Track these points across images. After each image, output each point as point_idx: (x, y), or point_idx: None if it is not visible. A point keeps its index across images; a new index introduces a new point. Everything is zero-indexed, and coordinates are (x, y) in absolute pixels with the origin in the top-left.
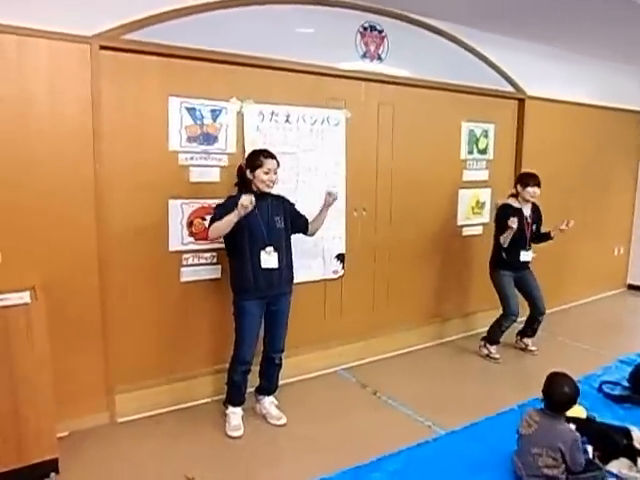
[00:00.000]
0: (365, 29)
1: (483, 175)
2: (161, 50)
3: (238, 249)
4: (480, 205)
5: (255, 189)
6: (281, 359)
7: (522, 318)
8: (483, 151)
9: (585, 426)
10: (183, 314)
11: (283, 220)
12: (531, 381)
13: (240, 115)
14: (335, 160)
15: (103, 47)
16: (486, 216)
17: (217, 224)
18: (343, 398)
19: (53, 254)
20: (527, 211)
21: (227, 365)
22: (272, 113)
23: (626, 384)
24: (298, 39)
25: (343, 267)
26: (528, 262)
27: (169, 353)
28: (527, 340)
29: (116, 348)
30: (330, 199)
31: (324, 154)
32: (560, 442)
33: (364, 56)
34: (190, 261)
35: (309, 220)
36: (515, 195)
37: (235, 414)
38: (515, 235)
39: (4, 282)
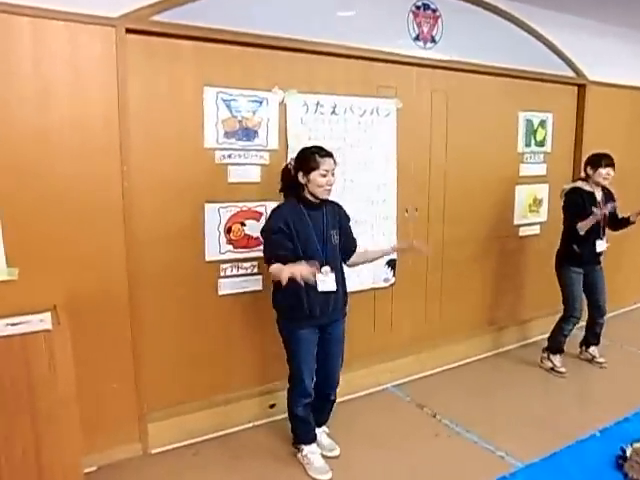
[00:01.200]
0: (418, 8)
1: (541, 169)
2: (195, 33)
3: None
4: (538, 202)
5: (308, 195)
6: (335, 394)
7: (581, 323)
8: (541, 143)
9: None
10: (222, 331)
11: (338, 234)
12: (606, 400)
13: (282, 107)
14: (385, 155)
15: (130, 30)
16: (544, 215)
17: (277, 268)
18: (400, 421)
19: (76, 268)
20: (599, 195)
21: (272, 385)
22: (317, 104)
23: None
24: (344, 20)
25: (394, 274)
26: (601, 255)
27: (207, 375)
28: (593, 350)
29: (148, 371)
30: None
31: (373, 149)
32: None
33: (417, 38)
34: (229, 272)
35: (357, 248)
36: (584, 179)
37: (314, 454)
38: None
39: (22, 301)
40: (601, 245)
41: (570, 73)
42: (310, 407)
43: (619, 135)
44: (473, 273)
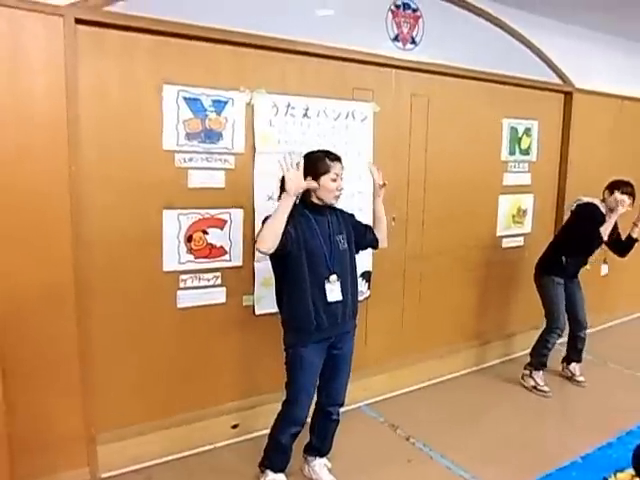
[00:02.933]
0: (397, 7)
1: (525, 179)
2: (154, 27)
3: (294, 276)
4: (522, 213)
5: (316, 200)
6: (339, 414)
7: (563, 339)
8: (525, 152)
9: None
10: (181, 346)
11: (346, 239)
12: (589, 423)
13: (250, 107)
14: (361, 162)
15: (80, 21)
16: (528, 226)
17: (266, 227)
18: (371, 444)
19: (12, 276)
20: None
21: (234, 404)
22: (288, 105)
23: None
24: (318, 18)
25: (369, 287)
26: (577, 272)
27: (164, 393)
28: (574, 367)
29: (98, 389)
30: (381, 185)
31: (348, 155)
32: None
33: (396, 39)
34: (189, 283)
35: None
36: (603, 200)
37: None
38: (586, 244)
39: None
40: (605, 269)
41: (556, 80)
42: (296, 437)
43: (605, 144)
44: (453, 285)
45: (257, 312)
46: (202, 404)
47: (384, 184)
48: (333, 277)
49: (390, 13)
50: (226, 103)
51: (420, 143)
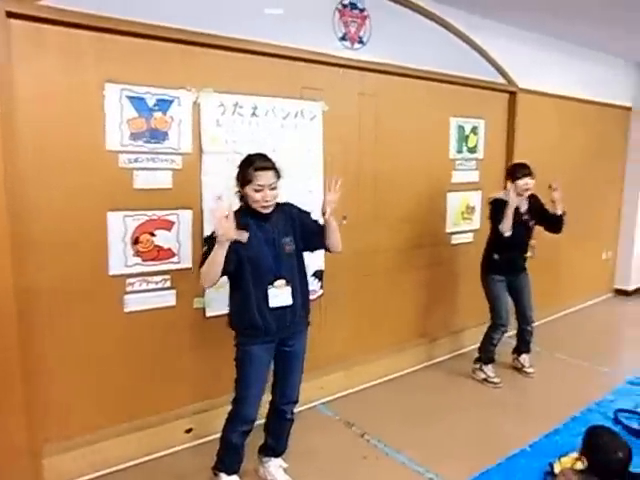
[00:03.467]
0: (344, 6)
1: (473, 176)
2: (94, 22)
3: (238, 281)
4: (470, 210)
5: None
6: (293, 413)
7: (513, 332)
8: (473, 150)
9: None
10: (130, 351)
11: (294, 240)
12: (537, 412)
13: (196, 107)
14: (311, 161)
15: (12, 14)
16: (476, 222)
17: (204, 269)
18: (327, 442)
19: None
20: (524, 207)
21: (188, 408)
22: (236, 105)
23: None
24: (266, 15)
25: (322, 286)
26: (522, 263)
27: (116, 400)
28: (524, 358)
29: (43, 398)
30: (330, 206)
31: (298, 154)
32: None
33: (343, 38)
34: (137, 287)
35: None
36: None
37: None
38: (510, 236)
39: None
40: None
41: (501, 80)
42: (247, 436)
43: (548, 141)
44: (405, 283)
45: (208, 314)
46: (155, 409)
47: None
48: (279, 282)
49: (337, 12)
50: (172, 102)
51: (369, 142)
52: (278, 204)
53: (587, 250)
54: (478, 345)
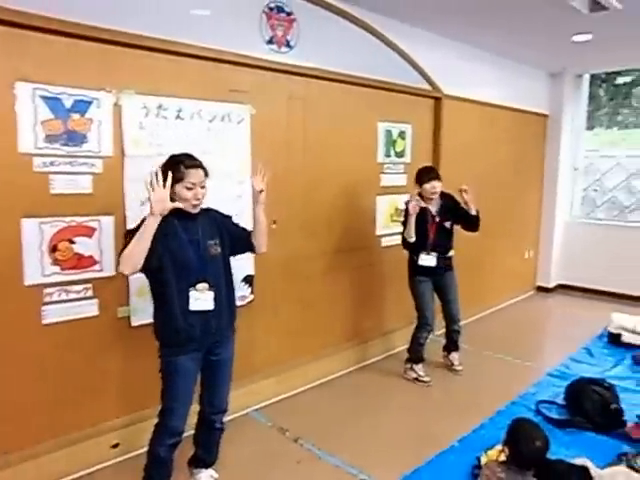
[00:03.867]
0: (271, 9)
1: (401, 180)
2: (6, 16)
3: (162, 287)
4: (399, 213)
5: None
6: (223, 422)
7: (443, 330)
8: (400, 154)
9: (542, 469)
10: (51, 365)
11: (220, 244)
12: (466, 407)
13: (118, 108)
14: (239, 164)
15: None
16: None
17: (127, 250)
18: (261, 449)
19: None
20: (434, 208)
21: (113, 423)
22: (159, 107)
23: (562, 402)
24: (192, 17)
25: (252, 291)
26: (446, 263)
27: (36, 418)
28: (454, 355)
29: None
30: (259, 192)
31: (225, 157)
32: None
33: (270, 42)
34: (55, 297)
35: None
36: (419, 194)
37: None
38: (418, 236)
39: None
40: (425, 260)
41: (427, 86)
42: (175, 449)
43: (473, 145)
44: (337, 285)
45: (133, 323)
46: (79, 425)
47: (261, 190)
48: (202, 285)
49: (264, 16)
50: (91, 103)
51: (298, 145)
52: (205, 209)
53: (510, 250)
54: (408, 346)
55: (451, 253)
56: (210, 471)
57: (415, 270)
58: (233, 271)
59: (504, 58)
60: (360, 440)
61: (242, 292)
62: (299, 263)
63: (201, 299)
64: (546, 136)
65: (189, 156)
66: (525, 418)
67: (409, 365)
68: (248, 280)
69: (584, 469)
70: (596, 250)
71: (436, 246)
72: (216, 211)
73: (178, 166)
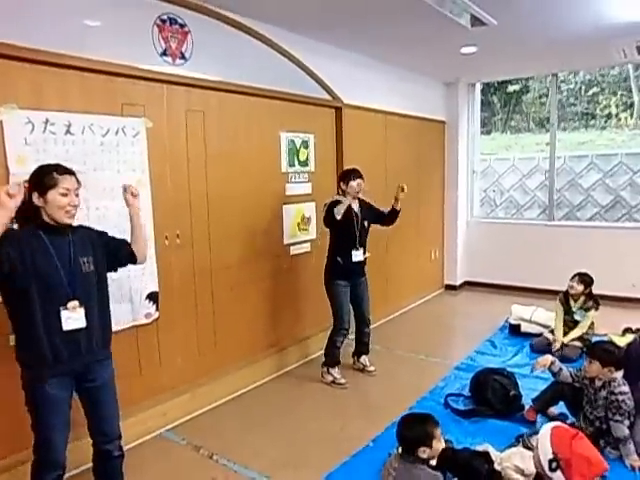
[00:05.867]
0: (163, 22)
1: (306, 188)
2: None
3: (24, 306)
4: (306, 221)
5: (49, 220)
6: (121, 449)
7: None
8: (304, 163)
9: (447, 458)
10: None
11: (93, 260)
12: (380, 407)
13: None
14: (136, 179)
15: None
16: (313, 233)
17: None
18: (173, 469)
19: None
20: (356, 207)
21: (13, 459)
22: (46, 122)
23: (467, 393)
24: (81, 29)
25: (157, 308)
26: (363, 267)
27: None
28: (364, 359)
29: None
30: (129, 195)
31: (121, 172)
32: None
33: (164, 54)
34: None
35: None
36: (341, 194)
37: None
38: (345, 234)
39: None
40: (357, 255)
41: (327, 96)
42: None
43: (374, 151)
44: (247, 296)
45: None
46: None
47: (131, 193)
48: (73, 303)
49: (156, 27)
50: None
51: (200, 157)
52: (76, 226)
53: (417, 252)
54: (324, 350)
55: (367, 254)
56: None
57: (335, 273)
58: (135, 287)
59: (401, 68)
60: (276, 448)
61: (147, 309)
62: (206, 276)
63: (72, 318)
64: (444, 141)
65: (59, 165)
66: (411, 414)
67: (325, 369)
68: (152, 297)
69: (485, 454)
70: (497, 247)
71: (361, 243)
72: (89, 228)
73: (50, 174)
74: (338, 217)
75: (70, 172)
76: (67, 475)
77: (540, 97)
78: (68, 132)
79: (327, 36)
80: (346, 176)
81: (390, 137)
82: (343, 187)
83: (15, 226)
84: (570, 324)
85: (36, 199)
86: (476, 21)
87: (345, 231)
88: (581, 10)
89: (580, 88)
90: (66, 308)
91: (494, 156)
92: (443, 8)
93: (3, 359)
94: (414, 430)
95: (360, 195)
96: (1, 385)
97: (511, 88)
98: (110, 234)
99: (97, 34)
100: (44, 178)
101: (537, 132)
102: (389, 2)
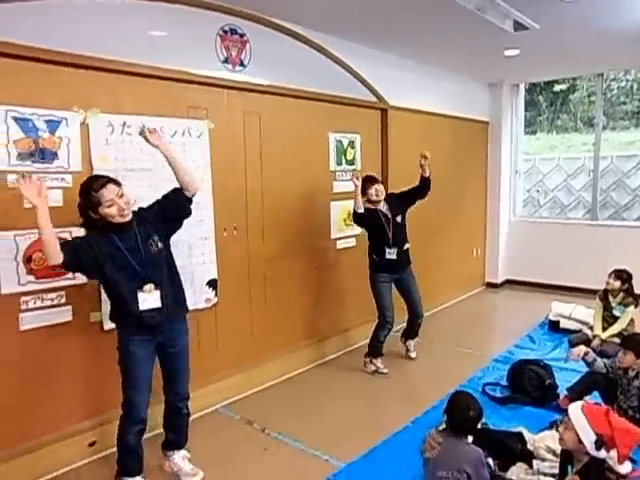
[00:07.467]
0: (225, 32)
1: (352, 186)
2: None
3: (110, 290)
4: (352, 217)
5: (111, 220)
6: (188, 408)
7: (402, 325)
8: (351, 162)
9: (482, 437)
10: (26, 370)
11: (158, 237)
12: (419, 393)
13: (85, 127)
14: (200, 175)
15: None
16: (358, 228)
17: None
18: (229, 440)
19: None
20: (384, 208)
21: (90, 422)
22: (124, 124)
23: (505, 383)
24: (151, 40)
25: (216, 294)
26: (404, 260)
27: (8, 422)
28: (410, 342)
29: None
30: (148, 135)
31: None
32: (465, 463)
33: (226, 61)
34: (31, 304)
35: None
36: (367, 202)
37: None
38: (377, 236)
39: None
40: (390, 253)
41: (373, 99)
42: (141, 436)
43: (417, 150)
44: (296, 287)
45: (106, 327)
46: (55, 426)
47: (148, 131)
48: (148, 286)
49: (219, 38)
50: (60, 123)
51: (255, 156)
52: (134, 213)
53: (459, 249)
54: (368, 341)
55: (407, 246)
56: (182, 452)
57: (377, 268)
58: (197, 274)
59: (444, 70)
60: (322, 426)
61: (207, 295)
62: (260, 266)
63: (148, 299)
64: (487, 141)
65: (95, 178)
66: (462, 391)
67: (368, 359)
68: (212, 284)
69: (519, 434)
70: (539, 246)
71: (395, 241)
72: (145, 209)
73: (89, 194)
74: (359, 211)
75: (104, 184)
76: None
77: (589, 95)
78: None
79: (373, 41)
80: (364, 184)
81: (433, 137)
82: (365, 197)
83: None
84: (609, 320)
85: (93, 215)
86: (519, 26)
87: (377, 233)
88: (627, 11)
89: (632, 86)
90: (142, 290)
91: (539, 156)
92: (486, 14)
93: (86, 333)
94: (470, 414)
95: (380, 198)
96: (89, 355)
97: (557, 87)
98: (157, 201)
99: (166, 45)
100: (89, 199)
101: (585, 132)
102: (432, 8)
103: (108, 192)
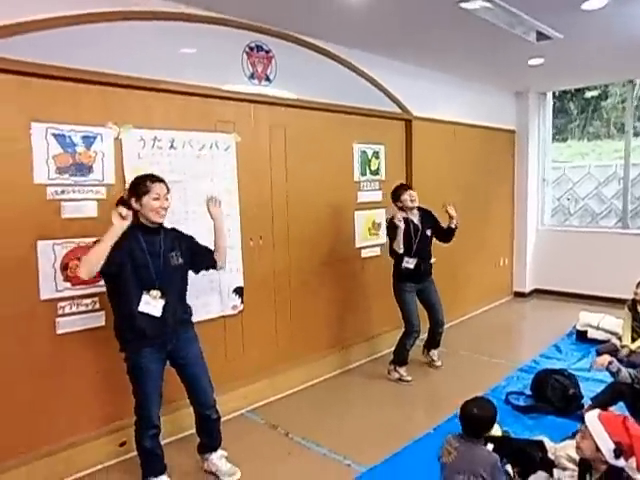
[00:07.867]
0: (251, 49)
1: (377, 196)
2: (18, 67)
3: (121, 291)
4: (376, 226)
5: (145, 221)
6: (217, 412)
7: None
8: (375, 172)
9: (502, 444)
10: (61, 371)
11: (181, 256)
12: (442, 400)
13: (118, 142)
14: (227, 187)
15: None
16: (382, 237)
17: (89, 254)
18: (254, 443)
19: None
20: (415, 218)
21: (121, 423)
22: (154, 139)
23: (529, 392)
24: (180, 58)
25: (242, 301)
26: (425, 271)
27: (45, 420)
28: (433, 352)
29: None
30: (213, 207)
31: (214, 181)
32: (481, 467)
33: (252, 77)
34: (67, 310)
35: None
36: (399, 209)
37: None
38: (405, 244)
39: None
40: (408, 262)
41: (397, 110)
42: (157, 438)
43: (443, 161)
44: (320, 295)
45: None
46: (88, 426)
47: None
48: (155, 292)
49: (245, 54)
50: (95, 138)
51: (280, 168)
52: (170, 228)
53: (486, 259)
54: (393, 349)
55: (433, 260)
56: (219, 452)
57: (401, 277)
58: (224, 282)
59: (469, 80)
60: (345, 432)
61: (233, 302)
62: (285, 275)
63: (150, 304)
64: (514, 150)
65: (152, 174)
66: (479, 396)
67: (393, 367)
68: (238, 291)
69: (540, 442)
70: (568, 255)
71: (419, 252)
72: (179, 231)
73: (145, 182)
74: (400, 251)
75: (160, 180)
76: (172, 438)
77: (623, 102)
78: (172, 147)
79: (396, 53)
80: (396, 192)
81: (459, 146)
82: (398, 204)
83: None
84: (638, 330)
85: (134, 203)
86: (541, 36)
87: (404, 243)
88: None
89: None
90: (148, 294)
91: (568, 164)
92: (514, 29)
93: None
94: (481, 414)
95: (415, 204)
96: (121, 358)
97: (589, 94)
98: (196, 240)
99: (195, 62)
100: (139, 186)
101: (617, 138)
102: (464, 25)
103: (160, 188)
